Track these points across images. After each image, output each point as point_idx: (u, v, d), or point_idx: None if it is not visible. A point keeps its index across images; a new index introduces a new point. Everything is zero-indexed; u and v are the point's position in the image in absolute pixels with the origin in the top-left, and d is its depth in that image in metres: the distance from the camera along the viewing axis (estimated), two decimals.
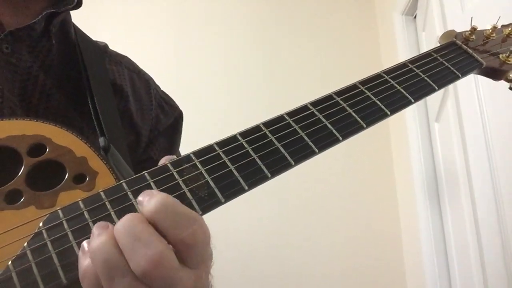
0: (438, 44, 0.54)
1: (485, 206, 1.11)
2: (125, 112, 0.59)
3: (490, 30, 0.57)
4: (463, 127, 1.24)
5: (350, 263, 1.95)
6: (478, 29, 0.57)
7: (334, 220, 2.02)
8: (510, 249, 1.01)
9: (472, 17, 0.56)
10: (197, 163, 0.37)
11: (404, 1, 1.94)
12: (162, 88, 0.70)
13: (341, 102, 0.43)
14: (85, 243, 0.31)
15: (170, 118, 0.67)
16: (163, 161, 0.36)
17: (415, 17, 1.98)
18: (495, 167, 1.07)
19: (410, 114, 1.85)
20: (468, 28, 0.55)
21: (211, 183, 0.36)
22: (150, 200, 0.31)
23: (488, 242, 1.10)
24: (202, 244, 0.31)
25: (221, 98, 2.14)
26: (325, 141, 0.40)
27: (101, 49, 0.63)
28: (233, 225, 1.87)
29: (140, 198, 0.32)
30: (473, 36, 0.56)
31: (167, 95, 0.69)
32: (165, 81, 0.72)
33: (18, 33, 0.51)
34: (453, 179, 1.50)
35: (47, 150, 0.38)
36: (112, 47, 0.66)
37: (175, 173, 0.36)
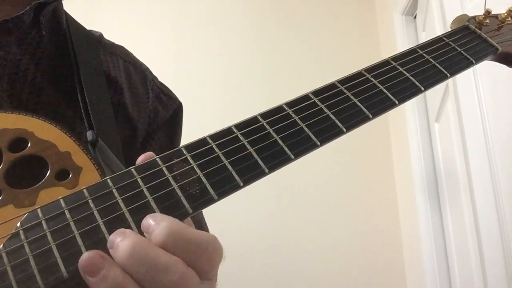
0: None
1: (485, 206, 1.10)
2: (119, 105, 0.56)
3: (505, 14, 0.54)
4: (463, 127, 1.24)
5: (349, 263, 1.94)
6: (492, 13, 0.53)
7: (334, 220, 2.01)
8: (510, 249, 1.00)
9: (486, 0, 0.52)
10: (188, 158, 0.34)
11: (404, 1, 1.94)
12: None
13: (345, 90, 0.40)
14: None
15: (169, 111, 0.64)
16: (142, 158, 0.34)
17: (415, 17, 1.98)
18: (495, 167, 1.07)
19: (410, 114, 1.86)
20: (483, 8, 0.51)
21: (203, 178, 0.33)
22: (157, 225, 0.29)
23: (488, 242, 1.09)
24: (218, 265, 0.30)
25: (221, 98, 2.12)
26: (327, 133, 0.37)
27: (96, 39, 0.60)
28: (230, 224, 1.84)
29: (144, 222, 0.30)
30: (487, 21, 0.52)
31: (165, 86, 0.65)
32: (164, 79, 0.69)
33: (5, 24, 0.48)
34: (453, 179, 1.50)
35: (29, 144, 0.36)
36: None
37: (164, 169, 0.33)
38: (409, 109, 1.86)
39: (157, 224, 0.29)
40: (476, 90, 1.16)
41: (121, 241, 0.28)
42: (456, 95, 1.30)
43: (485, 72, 1.11)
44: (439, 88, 1.55)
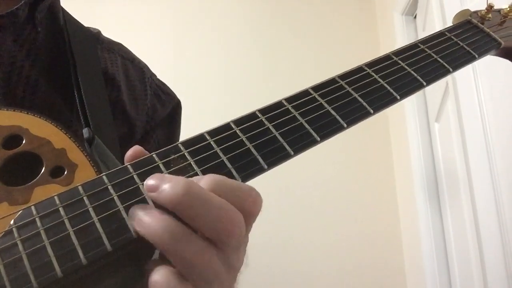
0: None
1: (485, 206, 1.10)
2: (117, 103, 0.55)
3: (508, 9, 0.53)
4: (463, 127, 1.23)
5: (350, 263, 1.94)
6: (495, 7, 0.53)
7: (334, 220, 2.00)
8: (510, 249, 1.00)
9: None
10: (185, 154, 0.34)
11: (404, 1, 1.94)
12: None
13: (345, 86, 0.39)
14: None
15: (167, 108, 0.63)
16: (130, 153, 0.33)
17: (415, 17, 1.98)
18: (495, 167, 1.06)
19: (410, 114, 1.85)
20: (484, 6, 0.51)
21: (201, 175, 0.33)
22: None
23: (488, 242, 1.08)
24: (260, 210, 0.31)
25: (221, 97, 2.12)
26: (328, 129, 0.37)
27: (93, 36, 0.59)
28: None
29: (150, 183, 0.30)
30: (490, 15, 0.51)
31: (163, 83, 0.65)
32: (164, 78, 0.69)
33: (0, 20, 0.48)
34: (453, 179, 1.50)
35: (24, 141, 0.35)
36: None
37: (161, 165, 0.33)
38: (409, 108, 1.85)
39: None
40: (476, 90, 1.15)
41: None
42: (456, 95, 1.29)
43: (485, 72, 1.11)
44: (439, 87, 1.55)
